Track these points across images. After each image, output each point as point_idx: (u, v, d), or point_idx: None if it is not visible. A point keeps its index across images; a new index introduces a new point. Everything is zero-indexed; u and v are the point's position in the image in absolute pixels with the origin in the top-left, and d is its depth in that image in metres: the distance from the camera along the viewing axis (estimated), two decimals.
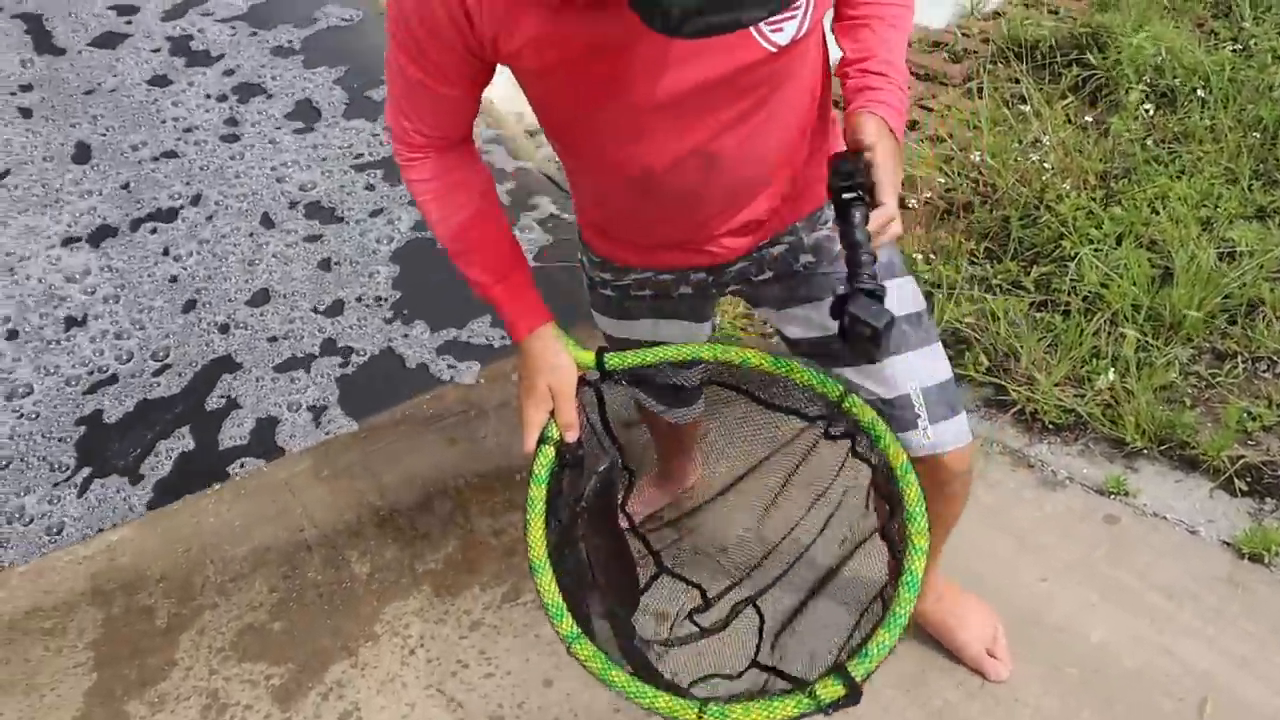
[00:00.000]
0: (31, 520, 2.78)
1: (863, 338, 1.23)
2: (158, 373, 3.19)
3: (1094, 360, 2.61)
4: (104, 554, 2.59)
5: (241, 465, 2.85)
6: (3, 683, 2.28)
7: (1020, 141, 3.33)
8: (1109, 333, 2.65)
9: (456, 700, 2.10)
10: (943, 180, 3.23)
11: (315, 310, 3.34)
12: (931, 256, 2.96)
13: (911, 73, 4.01)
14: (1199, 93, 3.38)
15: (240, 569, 2.49)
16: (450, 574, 2.39)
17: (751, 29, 1.23)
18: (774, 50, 1.27)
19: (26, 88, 4.54)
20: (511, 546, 2.42)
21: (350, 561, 2.45)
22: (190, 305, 3.43)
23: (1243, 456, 2.35)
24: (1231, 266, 2.73)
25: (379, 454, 2.75)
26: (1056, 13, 4.22)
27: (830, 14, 1.39)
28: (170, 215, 3.82)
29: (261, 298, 3.42)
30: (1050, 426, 2.54)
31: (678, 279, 1.64)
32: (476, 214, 1.49)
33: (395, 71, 1.36)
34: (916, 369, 1.56)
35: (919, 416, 1.56)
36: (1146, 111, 3.38)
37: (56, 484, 2.87)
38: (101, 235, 3.74)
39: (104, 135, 4.24)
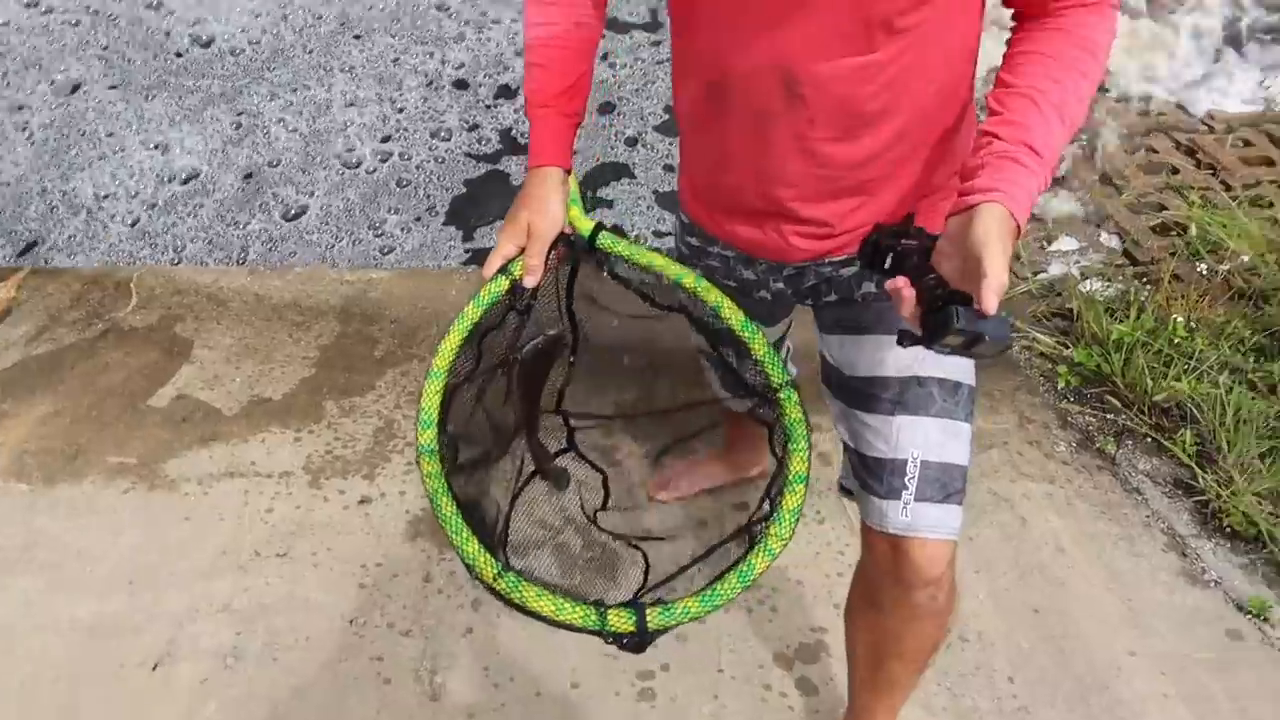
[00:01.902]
0: (382, 234, 3.33)
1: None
2: None
3: None
4: (362, 285, 3.06)
5: None
6: (250, 345, 2.78)
7: None
8: None
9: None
10: (1246, 259, 3.07)
11: None
12: (1194, 325, 2.86)
13: None
14: None
15: None
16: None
17: None
18: None
19: None
20: None
21: None
22: (607, 108, 3.84)
23: None
24: None
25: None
26: None
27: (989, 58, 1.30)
28: (623, 29, 4.22)
29: (672, 129, 3.77)
30: (1227, 530, 2.46)
31: (759, 281, 1.58)
32: (562, 35, 1.45)
33: None
34: (928, 438, 1.44)
35: (905, 488, 1.43)
36: None
37: (418, 217, 3.41)
38: None
39: None
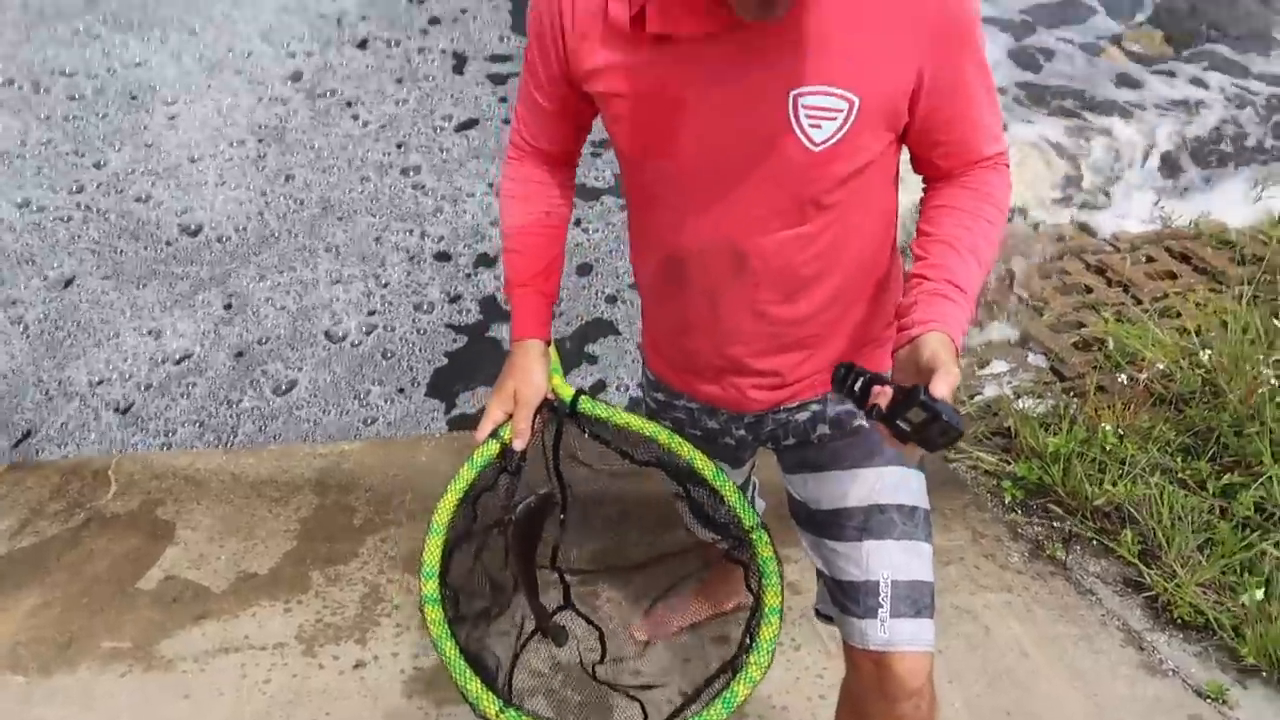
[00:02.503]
0: (366, 405, 3.52)
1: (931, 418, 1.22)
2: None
3: (1245, 574, 2.69)
4: (335, 457, 3.20)
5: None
6: (231, 525, 2.90)
7: (1265, 355, 3.38)
8: (1275, 554, 2.72)
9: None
10: (1161, 366, 3.34)
11: None
12: (1122, 432, 3.10)
13: (1192, 265, 4.11)
14: None
15: (429, 504, 2.99)
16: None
17: (791, 118, 1.35)
18: (810, 147, 1.37)
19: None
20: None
21: None
22: (585, 269, 4.10)
23: None
24: None
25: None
26: None
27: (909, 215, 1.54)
28: (593, 195, 4.48)
29: None
30: (1178, 621, 2.64)
31: (722, 429, 1.75)
32: (534, 224, 1.65)
33: (523, 70, 1.58)
34: (894, 560, 1.60)
35: (880, 606, 1.57)
36: None
37: (401, 388, 3.59)
38: None
39: None
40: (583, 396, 1.63)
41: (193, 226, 4.17)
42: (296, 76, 5.08)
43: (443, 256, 4.11)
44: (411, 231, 4.22)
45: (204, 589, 2.68)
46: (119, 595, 2.65)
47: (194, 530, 2.88)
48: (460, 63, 5.33)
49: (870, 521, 1.62)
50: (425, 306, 3.88)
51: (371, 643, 2.53)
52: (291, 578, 2.72)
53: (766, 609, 1.47)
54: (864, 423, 1.63)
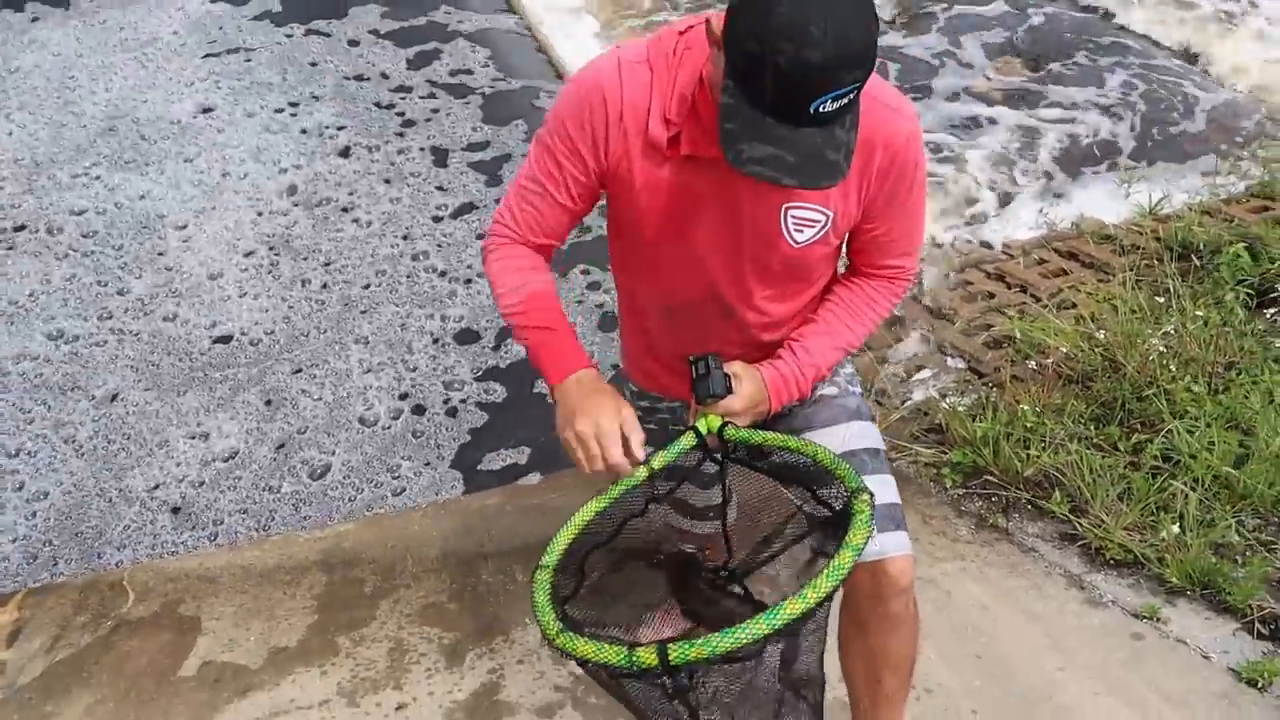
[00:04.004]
0: (398, 478, 3.93)
1: (702, 378, 1.82)
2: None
3: (1160, 513, 3.18)
4: (333, 539, 3.54)
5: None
6: (252, 609, 3.22)
7: (1153, 329, 3.93)
8: (1184, 494, 3.21)
9: (582, 676, 2.87)
10: (1065, 351, 3.87)
11: None
12: (1039, 411, 3.60)
13: (1080, 261, 4.69)
14: None
15: (431, 565, 3.37)
16: None
17: (781, 225, 1.85)
18: (794, 245, 1.88)
19: None
20: None
21: (514, 571, 3.28)
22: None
23: (1269, 608, 2.86)
24: None
25: (561, 499, 3.60)
26: (1231, 221, 4.81)
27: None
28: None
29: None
30: (1110, 561, 3.12)
31: None
32: (537, 289, 1.91)
33: (534, 170, 1.88)
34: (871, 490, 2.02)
35: None
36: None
37: (428, 461, 3.99)
38: None
39: None
40: (728, 426, 1.83)
41: (224, 335, 4.60)
42: (292, 190, 5.53)
43: (465, 337, 4.60)
44: (432, 316, 4.70)
45: (241, 667, 2.99)
46: (164, 685, 2.95)
47: (219, 620, 3.18)
48: (441, 157, 5.82)
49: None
50: (455, 385, 4.35)
51: (407, 686, 2.87)
52: (320, 645, 3.04)
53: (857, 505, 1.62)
54: (825, 392, 2.12)
